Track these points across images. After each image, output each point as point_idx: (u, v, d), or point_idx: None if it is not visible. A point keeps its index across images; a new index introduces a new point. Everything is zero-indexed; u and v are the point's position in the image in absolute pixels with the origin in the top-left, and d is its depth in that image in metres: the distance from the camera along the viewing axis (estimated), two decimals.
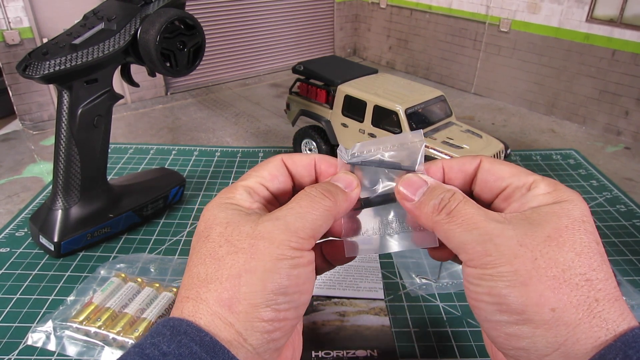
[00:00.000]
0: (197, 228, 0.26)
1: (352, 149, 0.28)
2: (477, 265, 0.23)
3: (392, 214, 0.28)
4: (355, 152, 0.28)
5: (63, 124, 0.50)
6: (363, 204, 0.28)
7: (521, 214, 0.24)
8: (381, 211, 0.29)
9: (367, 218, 0.28)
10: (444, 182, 0.28)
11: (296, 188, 0.28)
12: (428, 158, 0.56)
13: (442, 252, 0.27)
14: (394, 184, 0.28)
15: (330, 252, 0.28)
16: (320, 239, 0.26)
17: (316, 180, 0.29)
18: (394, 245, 0.28)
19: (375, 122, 0.60)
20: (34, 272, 0.51)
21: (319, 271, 0.28)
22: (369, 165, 0.28)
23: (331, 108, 0.66)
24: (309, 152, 0.72)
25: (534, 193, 0.25)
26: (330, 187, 0.26)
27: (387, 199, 0.28)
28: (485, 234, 0.23)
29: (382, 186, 0.28)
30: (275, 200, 0.28)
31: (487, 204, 0.27)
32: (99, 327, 0.42)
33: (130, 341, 0.41)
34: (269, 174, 0.27)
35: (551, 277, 0.21)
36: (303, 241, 0.23)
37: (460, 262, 0.25)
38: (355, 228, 0.28)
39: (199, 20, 0.53)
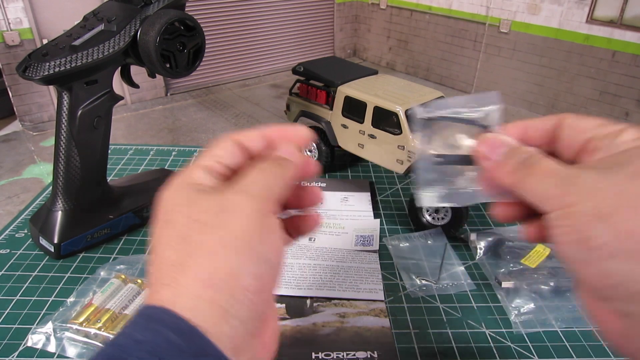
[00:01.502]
0: (157, 215, 0.24)
1: (428, 105, 0.28)
2: (558, 207, 0.22)
3: (465, 173, 0.29)
4: (431, 108, 0.28)
5: (63, 125, 0.50)
6: (437, 160, 0.29)
7: (606, 157, 0.23)
8: (454, 169, 0.29)
9: (439, 174, 0.29)
10: (523, 140, 0.27)
11: (249, 157, 0.28)
12: None
13: (511, 208, 0.27)
14: (469, 143, 0.28)
15: (294, 225, 0.29)
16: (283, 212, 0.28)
17: (269, 149, 0.28)
18: (461, 198, 0.29)
19: (376, 123, 0.60)
20: (34, 274, 0.51)
21: (285, 244, 0.28)
22: (446, 120, 0.28)
23: (331, 109, 0.66)
24: (309, 152, 0.72)
25: (621, 139, 0.23)
26: (275, 157, 0.27)
27: (463, 160, 0.28)
28: (564, 177, 0.22)
29: (457, 144, 0.28)
30: (235, 176, 0.26)
31: (571, 161, 0.26)
32: (99, 329, 0.41)
33: None
34: (224, 152, 0.26)
35: (638, 207, 0.20)
36: (269, 205, 0.24)
37: (528, 220, 0.26)
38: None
39: (199, 22, 0.53)
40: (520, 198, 0.25)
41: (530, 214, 0.26)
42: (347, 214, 0.60)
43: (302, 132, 0.28)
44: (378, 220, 0.55)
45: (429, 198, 0.30)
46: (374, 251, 0.53)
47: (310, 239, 0.51)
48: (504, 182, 0.25)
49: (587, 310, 0.25)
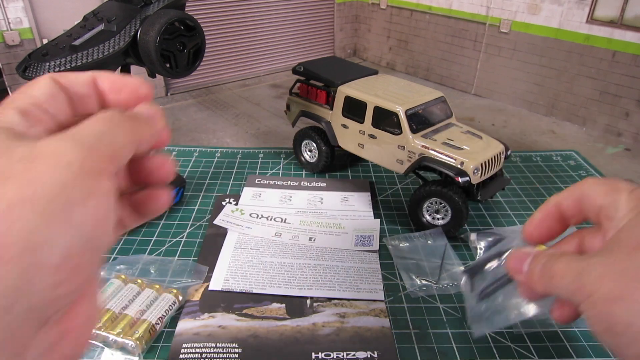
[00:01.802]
0: None
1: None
2: (582, 299, 0.24)
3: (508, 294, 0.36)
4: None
5: None
6: (482, 295, 0.37)
7: (612, 237, 0.25)
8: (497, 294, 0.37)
9: (486, 305, 0.37)
10: (562, 217, 0.30)
11: (77, 113, 0.21)
12: (428, 159, 0.56)
13: (566, 310, 0.29)
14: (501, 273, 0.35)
15: (139, 202, 0.23)
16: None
17: (101, 102, 0.22)
18: (511, 315, 0.36)
19: (376, 123, 0.60)
20: None
21: (126, 224, 0.23)
22: (481, 264, 0.37)
23: (331, 109, 0.66)
24: (309, 153, 0.72)
25: (620, 213, 0.25)
26: (132, 113, 0.21)
27: (500, 284, 0.36)
28: (578, 272, 0.24)
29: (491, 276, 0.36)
30: (54, 122, 0.20)
31: (601, 229, 0.28)
32: (99, 329, 0.41)
33: (130, 343, 0.40)
34: (42, 93, 0.20)
35: None
36: (102, 160, 0.17)
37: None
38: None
39: (199, 21, 0.53)
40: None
41: None
42: (347, 213, 0.60)
43: (143, 87, 0.23)
44: (378, 220, 0.55)
45: (481, 330, 0.36)
46: (374, 251, 0.53)
47: (310, 239, 0.51)
48: (538, 290, 0.28)
49: None
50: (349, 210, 0.61)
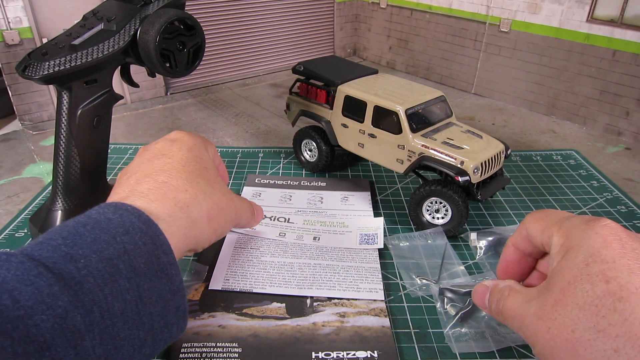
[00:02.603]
0: (195, 154, 0.38)
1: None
2: (530, 344, 0.26)
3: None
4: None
5: (63, 125, 0.49)
6: (462, 316, 0.43)
7: (545, 282, 0.27)
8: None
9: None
10: (524, 254, 0.33)
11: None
12: (428, 159, 0.56)
13: None
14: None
15: None
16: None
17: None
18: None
19: (376, 123, 0.60)
20: None
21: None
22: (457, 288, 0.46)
23: (331, 108, 0.66)
24: (309, 152, 0.72)
25: (552, 252, 0.27)
26: (256, 209, 0.44)
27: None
28: (519, 321, 0.27)
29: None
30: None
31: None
32: None
33: None
34: (213, 152, 0.42)
35: (564, 341, 0.22)
36: (239, 224, 0.41)
37: None
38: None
39: (199, 21, 0.53)
40: None
41: None
42: (347, 213, 0.60)
43: (261, 214, 0.49)
44: (381, 218, 0.54)
45: (462, 350, 0.41)
46: (379, 249, 0.53)
47: (314, 239, 0.50)
48: (500, 321, 0.31)
49: None
50: (349, 210, 0.61)
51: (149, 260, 0.26)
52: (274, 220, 0.51)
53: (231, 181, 0.69)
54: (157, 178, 0.32)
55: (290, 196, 0.64)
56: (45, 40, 1.79)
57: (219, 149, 0.79)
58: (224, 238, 0.55)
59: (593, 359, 0.21)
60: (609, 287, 0.21)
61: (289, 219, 0.51)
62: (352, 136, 0.64)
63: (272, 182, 0.68)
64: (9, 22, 2.91)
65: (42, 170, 2.57)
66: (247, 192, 0.65)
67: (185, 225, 0.31)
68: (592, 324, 0.21)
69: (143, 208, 0.29)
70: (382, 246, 0.52)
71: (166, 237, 0.28)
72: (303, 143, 0.72)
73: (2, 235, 0.57)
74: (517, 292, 0.28)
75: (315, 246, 0.53)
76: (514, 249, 0.32)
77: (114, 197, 0.32)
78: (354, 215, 0.60)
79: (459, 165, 0.54)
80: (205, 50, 0.55)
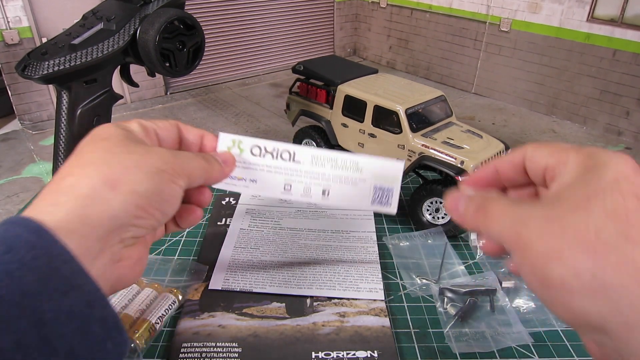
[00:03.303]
0: (91, 134, 0.29)
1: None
2: (517, 249, 0.23)
3: None
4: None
5: (62, 124, 0.49)
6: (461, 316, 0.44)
7: (554, 192, 0.24)
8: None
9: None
10: (499, 180, 0.30)
11: (182, 149, 0.35)
12: (428, 158, 0.56)
13: (495, 247, 0.29)
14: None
15: (179, 215, 0.33)
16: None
17: (200, 149, 0.35)
18: None
19: (376, 122, 0.60)
20: None
21: (167, 228, 0.34)
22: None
23: (331, 108, 0.66)
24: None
25: (567, 169, 0.24)
26: (211, 157, 0.34)
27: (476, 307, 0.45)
28: (516, 220, 0.24)
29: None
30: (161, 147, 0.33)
31: (546, 188, 0.28)
32: None
33: (130, 342, 0.40)
34: (163, 125, 0.33)
35: (584, 242, 0.21)
36: (182, 173, 0.29)
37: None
38: None
39: (199, 20, 0.53)
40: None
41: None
42: (347, 212, 0.60)
43: (230, 160, 0.36)
44: (402, 164, 0.41)
45: (462, 349, 0.41)
46: (378, 247, 0.53)
47: (324, 192, 0.41)
48: (470, 228, 0.28)
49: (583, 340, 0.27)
50: (348, 210, 0.61)
51: (43, 276, 0.22)
52: (276, 157, 0.40)
53: None
54: (52, 182, 0.27)
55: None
56: (44, 40, 1.79)
57: None
58: (224, 236, 0.55)
59: (616, 263, 0.20)
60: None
61: (294, 154, 0.40)
62: (352, 136, 0.64)
63: None
64: (8, 22, 2.91)
65: (42, 170, 2.57)
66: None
67: (79, 205, 0.25)
68: (622, 232, 0.20)
69: (38, 219, 0.24)
70: (394, 212, 0.40)
71: (63, 242, 0.23)
72: (303, 142, 0.72)
73: None
74: (507, 197, 0.26)
75: (315, 242, 0.53)
76: (494, 171, 0.30)
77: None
78: (354, 215, 0.60)
79: (459, 165, 0.54)
80: (205, 49, 0.55)
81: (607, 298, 0.20)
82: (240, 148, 0.39)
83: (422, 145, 0.57)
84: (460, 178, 0.53)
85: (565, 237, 0.21)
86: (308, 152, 0.41)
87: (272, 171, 0.40)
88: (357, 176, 0.42)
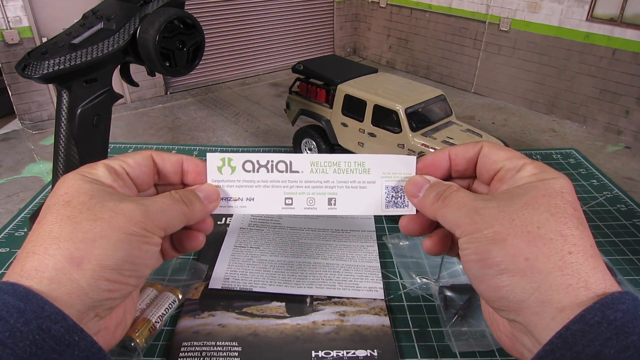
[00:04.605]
0: (54, 192, 0.27)
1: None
2: (467, 234, 0.26)
3: None
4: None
5: (62, 124, 0.49)
6: (461, 313, 0.44)
7: (506, 190, 0.28)
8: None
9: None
10: (450, 167, 0.32)
11: (161, 181, 0.32)
12: None
13: (438, 245, 0.32)
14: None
15: (179, 241, 0.32)
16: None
17: (182, 177, 0.33)
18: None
19: (375, 122, 0.60)
20: None
21: (165, 255, 0.32)
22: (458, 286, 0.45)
23: (331, 107, 0.66)
24: (308, 151, 0.72)
25: (521, 175, 0.28)
26: (191, 196, 0.30)
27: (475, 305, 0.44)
28: (472, 209, 0.27)
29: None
30: (133, 186, 0.31)
31: (487, 186, 0.31)
32: None
33: (130, 341, 0.40)
34: (134, 162, 0.30)
35: (526, 232, 0.25)
36: (156, 229, 0.27)
37: (453, 254, 0.31)
38: None
39: (199, 20, 0.53)
40: (442, 225, 0.29)
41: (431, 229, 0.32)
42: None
43: (213, 195, 0.32)
44: (414, 159, 0.35)
45: (462, 348, 0.42)
46: (378, 246, 0.53)
47: (330, 201, 0.36)
48: (427, 213, 0.30)
49: (486, 319, 0.30)
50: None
51: (36, 340, 0.21)
52: (272, 170, 0.35)
53: None
54: (16, 261, 0.25)
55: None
56: (45, 40, 1.79)
57: (219, 148, 0.79)
58: (224, 236, 0.55)
59: (548, 252, 0.24)
60: (575, 213, 0.25)
61: (290, 164, 0.35)
62: (352, 135, 0.64)
63: None
64: (8, 22, 2.91)
65: (42, 170, 2.57)
66: None
67: (46, 289, 0.24)
68: (558, 229, 0.24)
69: (27, 285, 0.23)
70: (414, 211, 0.34)
71: (53, 305, 0.23)
72: (303, 142, 0.72)
73: (2, 234, 0.57)
74: (466, 191, 0.29)
75: (319, 243, 0.53)
76: (446, 157, 0.32)
77: (14, 265, 0.26)
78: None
79: None
80: (205, 49, 0.55)
81: (531, 279, 0.24)
82: (232, 166, 0.35)
83: (422, 144, 0.57)
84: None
85: (512, 226, 0.25)
86: (306, 159, 0.36)
87: (270, 185, 0.36)
88: (365, 178, 0.37)
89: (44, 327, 0.22)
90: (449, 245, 0.32)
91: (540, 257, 0.24)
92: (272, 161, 0.35)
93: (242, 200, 0.35)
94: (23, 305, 0.22)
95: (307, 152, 0.72)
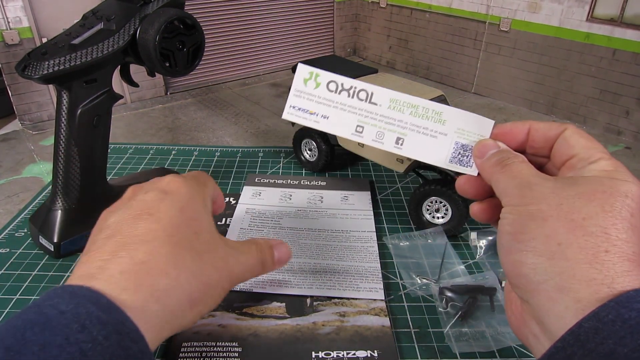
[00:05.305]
0: (182, 209, 0.30)
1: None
2: (511, 204, 0.26)
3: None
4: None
5: (62, 124, 0.49)
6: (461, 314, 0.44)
7: (570, 177, 0.27)
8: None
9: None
10: (526, 141, 0.31)
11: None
12: None
13: (486, 212, 0.32)
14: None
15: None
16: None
17: (213, 203, 0.37)
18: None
19: None
20: (33, 273, 0.51)
21: None
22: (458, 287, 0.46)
23: None
24: (309, 151, 0.72)
25: (592, 167, 0.27)
26: (269, 258, 0.35)
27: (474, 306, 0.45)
28: (526, 182, 0.26)
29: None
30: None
31: (557, 169, 0.30)
32: None
33: None
34: (214, 192, 0.36)
35: (569, 219, 0.24)
36: (231, 284, 0.32)
37: (496, 225, 0.30)
38: None
39: (199, 20, 0.53)
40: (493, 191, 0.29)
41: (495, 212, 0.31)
42: (347, 212, 0.60)
43: (285, 258, 0.37)
44: (492, 123, 0.35)
45: (462, 349, 0.41)
46: (379, 245, 0.53)
47: (398, 141, 0.36)
48: (484, 175, 0.30)
49: (505, 294, 0.30)
50: (348, 209, 0.61)
51: (114, 354, 0.22)
52: (352, 96, 0.37)
53: (231, 181, 0.69)
54: (135, 255, 0.27)
55: (290, 195, 0.64)
56: (45, 40, 1.79)
57: (219, 149, 0.79)
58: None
59: (584, 245, 0.23)
60: (631, 219, 0.24)
61: (371, 95, 0.37)
62: None
63: (272, 181, 0.68)
64: (8, 22, 2.91)
65: (42, 170, 2.57)
66: (247, 191, 0.65)
67: (162, 317, 0.26)
68: (604, 226, 0.23)
69: (109, 295, 0.24)
70: (475, 173, 0.34)
71: (134, 323, 0.24)
72: (303, 142, 0.72)
73: (2, 235, 0.57)
74: (530, 165, 0.28)
75: (316, 245, 0.53)
76: (525, 130, 0.31)
77: (81, 268, 0.27)
78: (354, 215, 0.60)
79: None
80: (205, 49, 0.55)
81: (557, 264, 0.23)
82: (317, 82, 0.37)
83: None
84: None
85: (557, 210, 0.24)
86: (387, 95, 0.37)
87: (346, 110, 0.37)
88: (438, 128, 0.37)
89: (123, 344, 0.23)
90: (497, 216, 0.30)
91: (574, 246, 0.23)
92: (355, 87, 0.37)
93: (317, 115, 0.36)
94: (106, 318, 0.23)
95: (307, 153, 0.72)
